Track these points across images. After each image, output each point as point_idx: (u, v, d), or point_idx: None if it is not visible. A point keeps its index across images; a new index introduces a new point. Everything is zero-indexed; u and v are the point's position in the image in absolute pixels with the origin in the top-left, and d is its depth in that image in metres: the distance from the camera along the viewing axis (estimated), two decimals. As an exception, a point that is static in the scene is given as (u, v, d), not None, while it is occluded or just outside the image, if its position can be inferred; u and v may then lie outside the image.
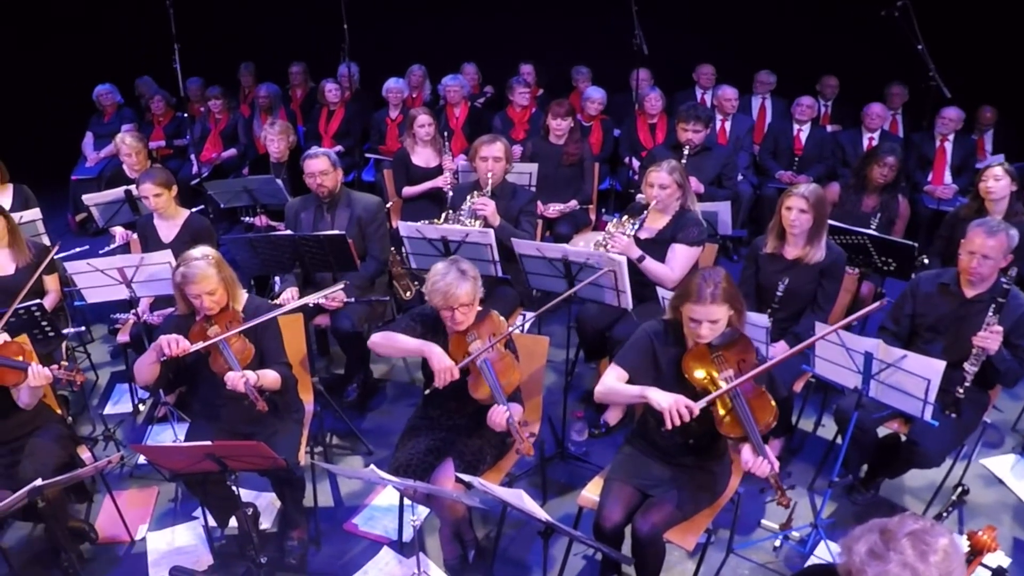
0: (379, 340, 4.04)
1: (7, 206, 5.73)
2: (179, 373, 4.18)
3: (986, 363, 4.12)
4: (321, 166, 5.38)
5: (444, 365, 3.80)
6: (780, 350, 4.59)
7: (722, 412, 3.45)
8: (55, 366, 4.02)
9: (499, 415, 3.67)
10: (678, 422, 3.35)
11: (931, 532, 2.09)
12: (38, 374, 3.93)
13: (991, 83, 8.07)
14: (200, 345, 3.93)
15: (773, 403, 3.46)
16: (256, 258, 5.13)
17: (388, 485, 4.36)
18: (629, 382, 3.66)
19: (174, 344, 3.83)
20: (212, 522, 4.33)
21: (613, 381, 3.67)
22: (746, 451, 3.39)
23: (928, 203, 7.51)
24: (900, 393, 3.81)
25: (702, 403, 3.38)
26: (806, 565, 4.16)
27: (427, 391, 4.00)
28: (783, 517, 4.28)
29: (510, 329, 4.05)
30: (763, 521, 4.53)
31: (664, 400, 3.40)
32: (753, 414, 3.39)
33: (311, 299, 4.58)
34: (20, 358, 4.00)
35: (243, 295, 4.24)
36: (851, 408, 4.06)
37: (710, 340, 3.51)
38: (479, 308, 3.97)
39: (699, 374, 3.50)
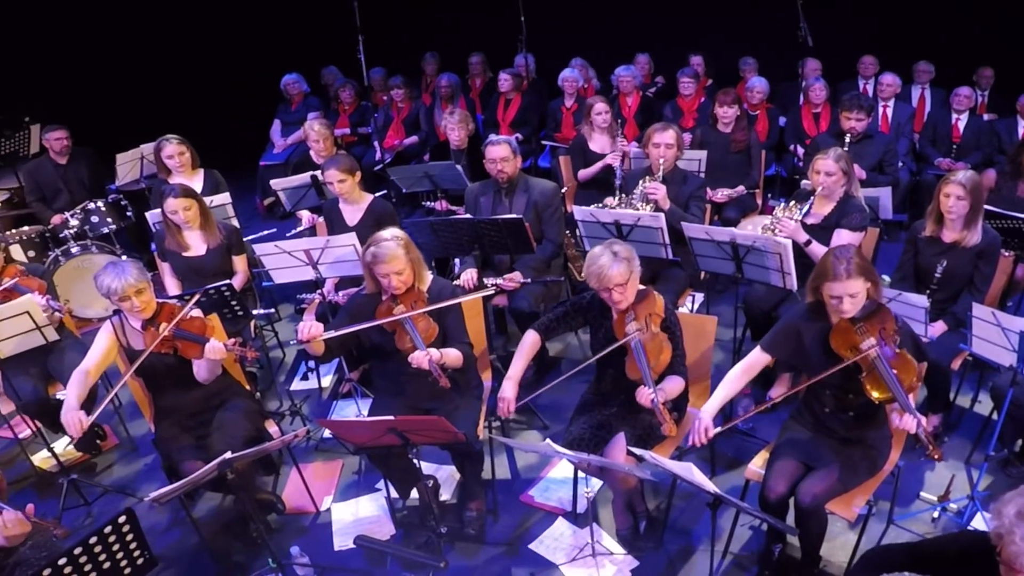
0: (524, 339, 4.34)
1: (198, 190, 6.00)
2: (364, 351, 4.32)
3: None
4: (502, 153, 5.49)
5: (502, 397, 4.11)
6: (938, 329, 4.77)
7: (867, 377, 3.55)
8: (230, 341, 4.23)
9: (644, 396, 3.77)
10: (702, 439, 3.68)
11: None
12: (214, 348, 4.15)
13: None
14: (386, 320, 4.07)
15: (915, 365, 3.54)
16: (437, 241, 5.27)
17: (563, 458, 4.45)
18: (773, 364, 3.98)
19: (305, 331, 3.97)
20: (394, 494, 4.51)
21: (741, 367, 3.92)
22: (895, 411, 3.50)
23: (1081, 189, 7.26)
24: (1054, 372, 3.87)
25: (717, 429, 3.71)
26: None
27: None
28: (941, 489, 4.41)
29: (679, 309, 4.08)
30: (922, 493, 4.56)
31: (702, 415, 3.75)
32: (897, 375, 3.47)
33: (493, 284, 4.68)
34: (203, 334, 4.23)
35: (428, 276, 4.34)
36: (1007, 385, 4.16)
37: (853, 314, 3.58)
38: (641, 287, 4.05)
39: (844, 347, 3.59)
